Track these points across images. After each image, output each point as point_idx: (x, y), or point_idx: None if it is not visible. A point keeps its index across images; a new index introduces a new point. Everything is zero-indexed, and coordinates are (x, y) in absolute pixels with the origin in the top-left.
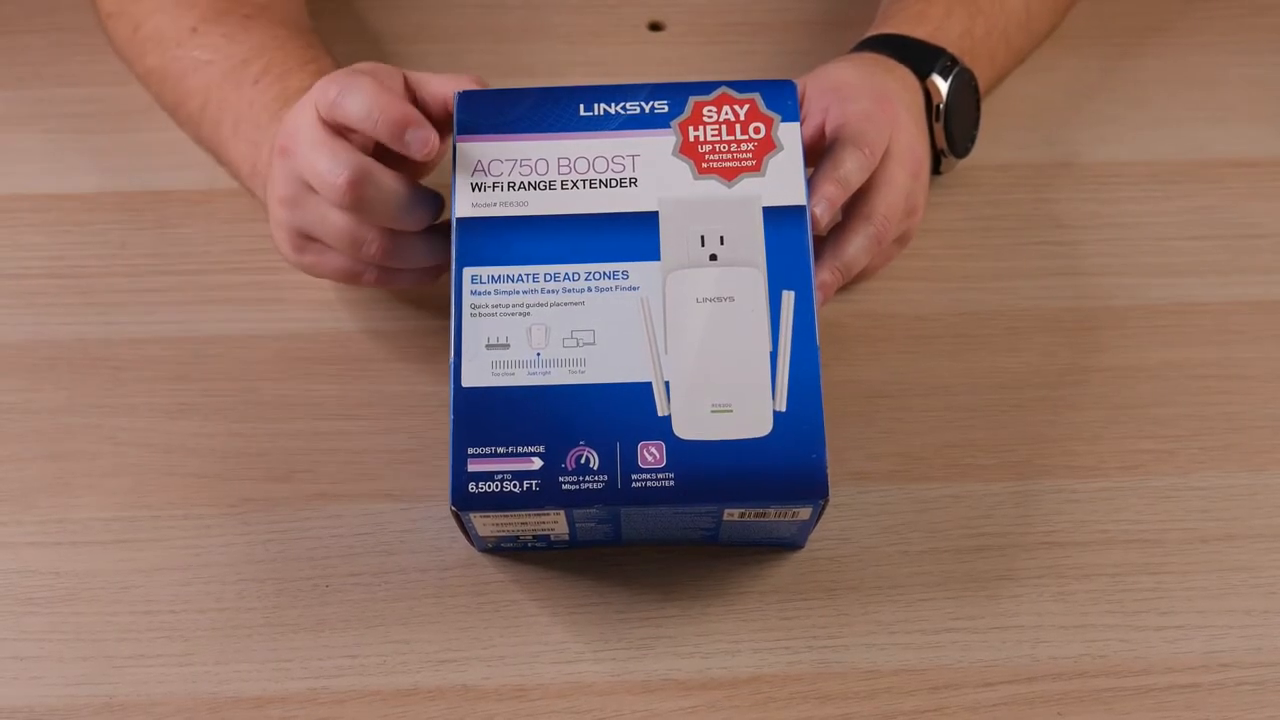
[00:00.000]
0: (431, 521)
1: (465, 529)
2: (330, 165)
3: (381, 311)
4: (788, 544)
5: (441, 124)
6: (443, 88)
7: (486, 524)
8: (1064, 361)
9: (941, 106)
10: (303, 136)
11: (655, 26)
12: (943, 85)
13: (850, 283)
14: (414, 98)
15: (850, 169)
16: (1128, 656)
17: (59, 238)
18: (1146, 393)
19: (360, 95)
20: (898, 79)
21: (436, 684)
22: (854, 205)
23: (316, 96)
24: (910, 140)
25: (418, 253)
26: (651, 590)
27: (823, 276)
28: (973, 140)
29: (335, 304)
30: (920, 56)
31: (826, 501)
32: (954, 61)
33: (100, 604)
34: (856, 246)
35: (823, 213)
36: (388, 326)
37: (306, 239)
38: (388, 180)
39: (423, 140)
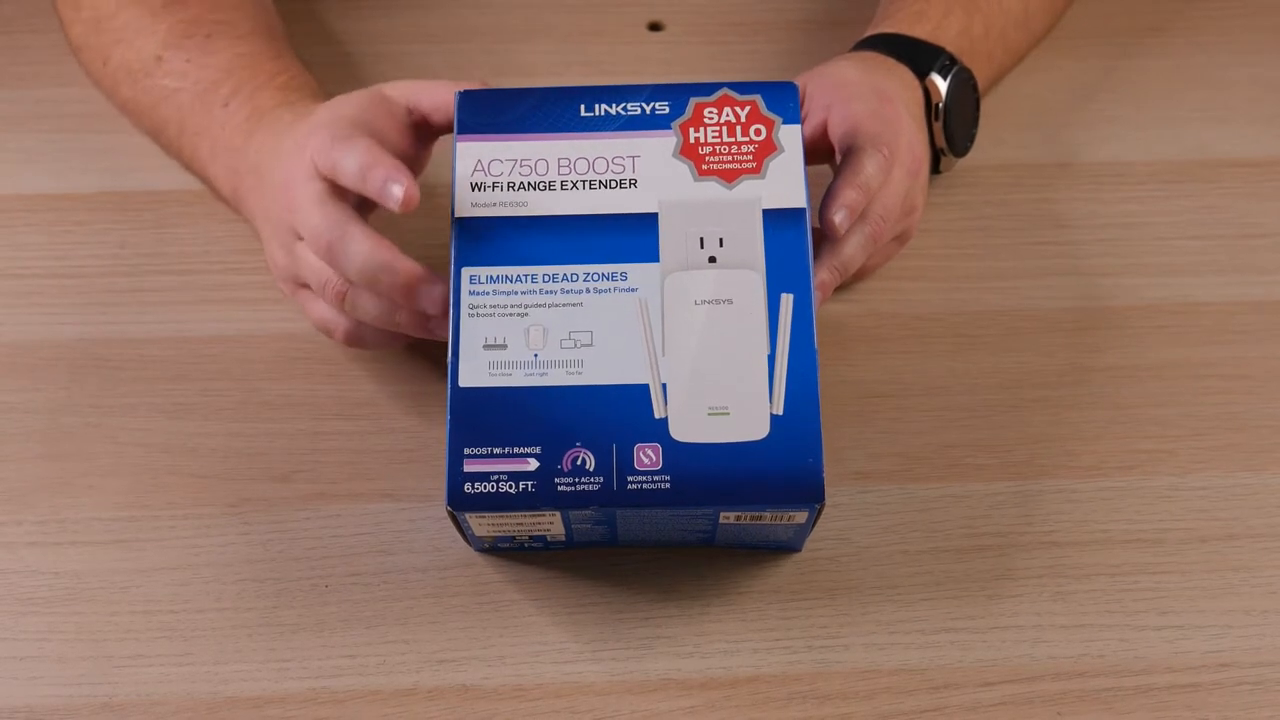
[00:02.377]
0: (431, 521)
1: (461, 529)
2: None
3: None
4: (785, 547)
5: (445, 130)
6: (434, 96)
7: (482, 524)
8: (1064, 361)
9: (941, 105)
10: (299, 194)
11: (655, 26)
12: (942, 84)
13: (849, 281)
14: (415, 115)
15: (871, 173)
16: (1127, 656)
17: (59, 238)
18: (1146, 393)
19: (353, 157)
20: (897, 78)
21: (436, 684)
22: None
23: (315, 156)
24: (910, 139)
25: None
26: (651, 590)
27: (820, 276)
28: (972, 139)
29: None
30: (919, 55)
31: (823, 506)
32: (953, 61)
33: (100, 604)
34: (853, 245)
35: (842, 221)
36: None
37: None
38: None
39: (398, 197)
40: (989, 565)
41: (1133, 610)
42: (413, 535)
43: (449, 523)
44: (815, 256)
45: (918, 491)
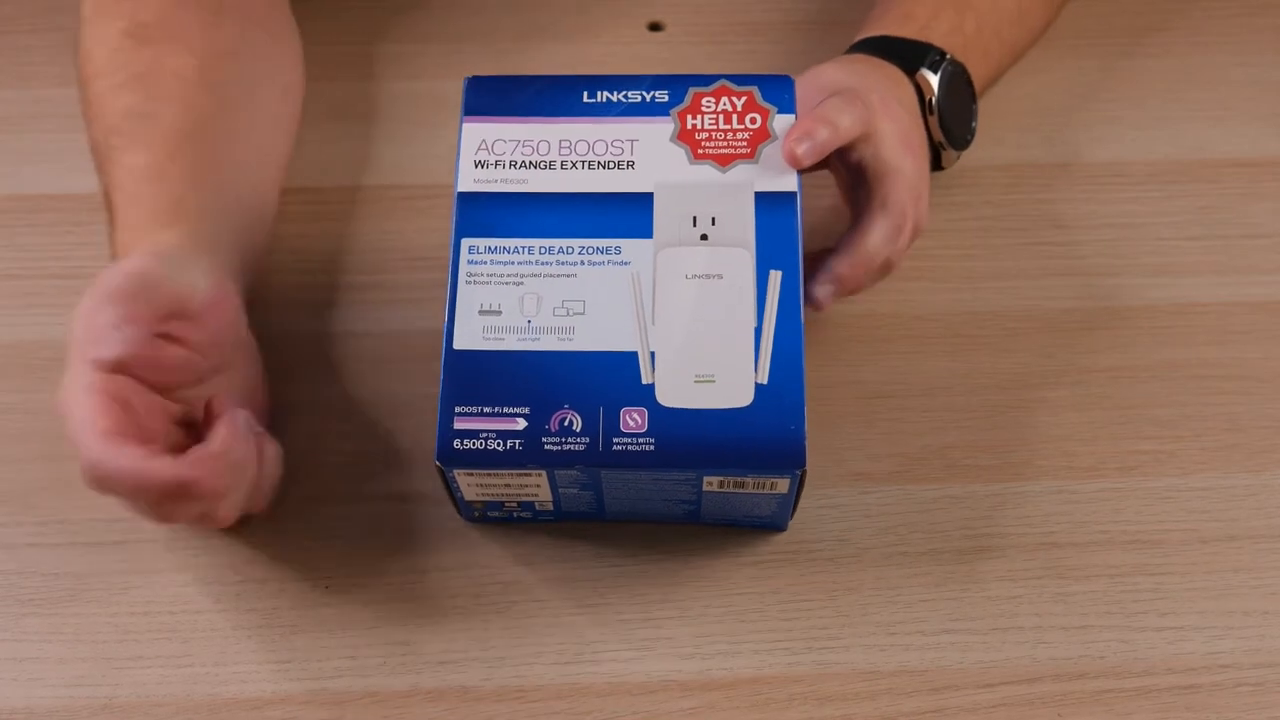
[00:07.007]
0: (431, 522)
1: (453, 495)
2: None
3: (381, 312)
4: (769, 524)
5: None
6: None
7: (470, 484)
8: (1063, 362)
9: (934, 100)
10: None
11: (655, 27)
12: (933, 78)
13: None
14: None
15: (876, 244)
16: (1128, 657)
17: (59, 238)
18: (1146, 393)
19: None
20: (884, 75)
21: (436, 685)
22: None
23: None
24: (904, 128)
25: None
26: (651, 591)
27: (819, 295)
28: (972, 132)
29: (333, 305)
30: (907, 53)
31: (804, 473)
32: (942, 55)
33: (100, 604)
34: (876, 243)
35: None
36: (387, 327)
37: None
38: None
39: None
40: (989, 566)
41: (1133, 611)
42: (413, 536)
43: (450, 523)
44: (817, 276)
45: (917, 492)
